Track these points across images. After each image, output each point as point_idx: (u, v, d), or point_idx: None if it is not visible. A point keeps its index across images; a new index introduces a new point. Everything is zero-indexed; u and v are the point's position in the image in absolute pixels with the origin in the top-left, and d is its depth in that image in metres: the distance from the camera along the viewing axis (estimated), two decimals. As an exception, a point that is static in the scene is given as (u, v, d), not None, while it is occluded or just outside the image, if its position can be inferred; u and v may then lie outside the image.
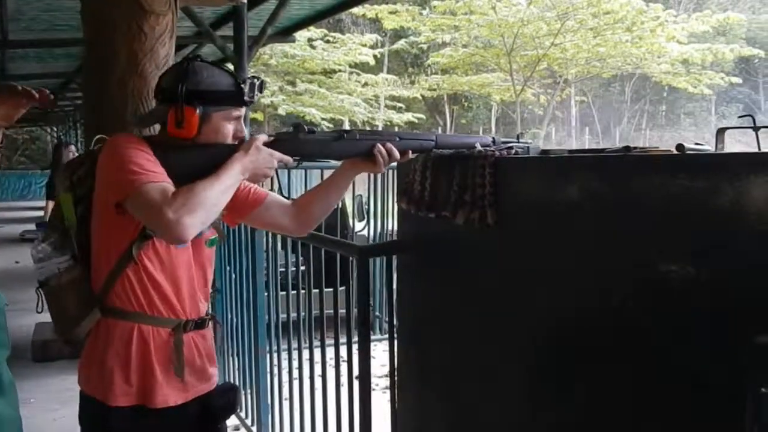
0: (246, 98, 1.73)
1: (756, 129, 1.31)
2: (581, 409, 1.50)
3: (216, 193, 1.61)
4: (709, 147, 1.42)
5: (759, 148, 1.31)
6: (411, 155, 1.84)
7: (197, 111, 1.68)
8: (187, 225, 1.55)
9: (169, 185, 1.60)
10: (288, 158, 1.76)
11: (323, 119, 19.40)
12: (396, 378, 2.22)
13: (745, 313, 1.13)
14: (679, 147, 1.35)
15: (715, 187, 1.19)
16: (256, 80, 1.76)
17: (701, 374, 1.21)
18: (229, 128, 1.74)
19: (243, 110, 1.77)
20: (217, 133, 1.72)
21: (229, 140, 1.75)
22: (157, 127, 1.78)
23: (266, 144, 1.72)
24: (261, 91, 1.77)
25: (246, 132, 1.80)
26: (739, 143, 1.34)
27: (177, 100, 1.67)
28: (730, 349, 1.07)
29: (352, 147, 1.80)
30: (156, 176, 1.60)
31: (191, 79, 1.69)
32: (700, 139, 1.49)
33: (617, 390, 1.40)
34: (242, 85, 1.73)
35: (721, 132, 1.42)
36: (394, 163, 1.88)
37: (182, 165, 1.66)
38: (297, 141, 1.76)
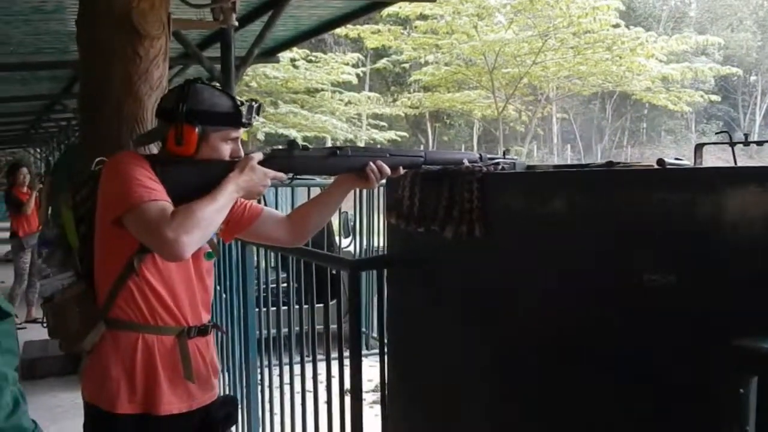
0: (244, 120, 1.79)
1: (732, 144, 1.38)
2: (567, 422, 1.55)
3: (211, 213, 1.66)
4: (688, 162, 1.49)
5: (735, 163, 1.38)
6: (401, 171, 1.90)
7: (196, 130, 1.73)
8: (185, 244, 1.60)
9: (168, 204, 1.64)
10: (282, 175, 1.81)
11: (306, 138, 19.47)
12: (386, 393, 2.25)
13: (723, 318, 1.20)
14: (660, 162, 1.42)
15: (694, 199, 1.25)
16: (254, 103, 1.81)
17: (683, 377, 1.27)
18: (226, 148, 1.80)
19: (240, 132, 1.83)
20: (214, 152, 1.78)
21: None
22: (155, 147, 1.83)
23: (261, 161, 1.77)
24: (258, 114, 1.82)
25: (242, 152, 1.84)
26: (719, 160, 1.41)
27: (177, 118, 1.72)
28: (709, 352, 1.13)
29: (345, 163, 1.86)
30: (155, 194, 1.64)
31: (192, 99, 1.74)
32: (681, 156, 1.56)
33: (604, 403, 1.44)
34: (241, 108, 1.78)
35: (699, 147, 1.49)
36: (384, 180, 1.94)
37: (180, 181, 1.70)
38: (292, 157, 1.82)
